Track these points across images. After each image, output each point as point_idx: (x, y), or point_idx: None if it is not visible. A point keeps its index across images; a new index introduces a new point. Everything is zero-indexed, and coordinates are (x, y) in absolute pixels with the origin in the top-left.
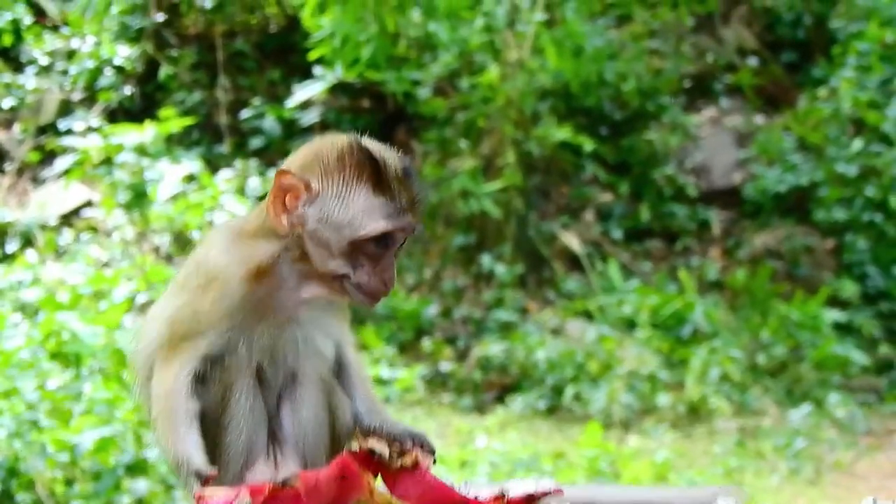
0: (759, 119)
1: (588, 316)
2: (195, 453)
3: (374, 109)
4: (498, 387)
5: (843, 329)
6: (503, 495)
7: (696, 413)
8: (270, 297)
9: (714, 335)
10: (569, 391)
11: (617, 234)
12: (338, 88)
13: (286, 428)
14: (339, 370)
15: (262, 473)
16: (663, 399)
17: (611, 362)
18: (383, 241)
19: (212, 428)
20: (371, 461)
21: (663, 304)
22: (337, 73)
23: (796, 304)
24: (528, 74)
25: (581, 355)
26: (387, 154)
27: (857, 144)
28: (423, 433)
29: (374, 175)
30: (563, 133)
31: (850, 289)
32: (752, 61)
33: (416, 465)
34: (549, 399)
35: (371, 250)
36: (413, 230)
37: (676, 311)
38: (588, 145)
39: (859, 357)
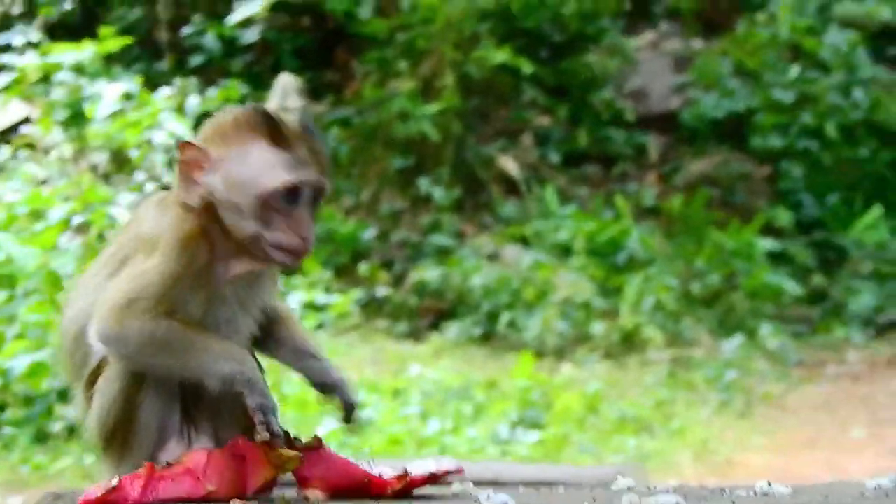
0: (697, 44)
1: (524, 241)
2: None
3: (314, 28)
4: (434, 312)
5: (777, 258)
6: (406, 474)
7: (629, 342)
8: (206, 272)
9: (649, 263)
10: (504, 318)
11: (554, 158)
12: (278, 6)
13: (201, 406)
14: (269, 322)
15: (174, 452)
16: (597, 328)
17: (546, 289)
18: (292, 196)
19: (125, 406)
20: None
21: (599, 230)
22: None
23: (731, 232)
24: None
25: (516, 282)
26: (285, 115)
27: (795, 71)
28: (341, 382)
29: (272, 132)
30: (502, 55)
31: (784, 217)
32: None
33: (319, 444)
34: (484, 326)
35: (282, 207)
36: (320, 184)
37: (612, 237)
38: (527, 68)
39: (792, 287)
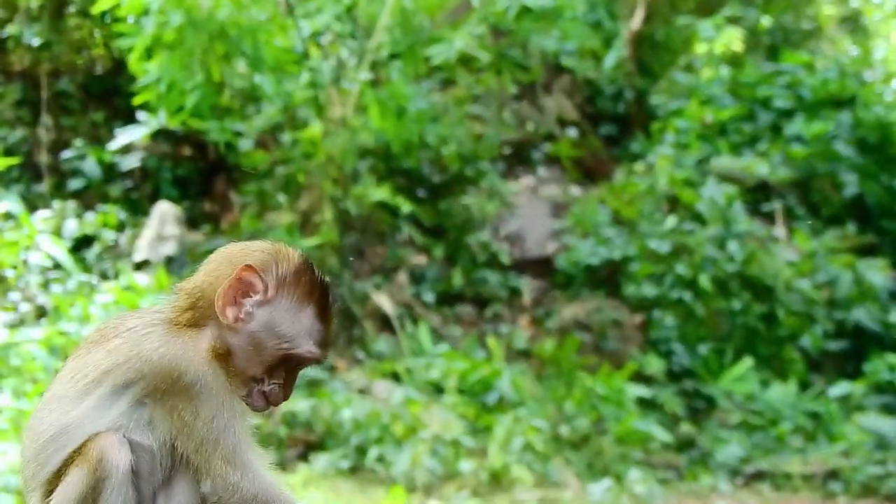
0: (575, 190)
1: (396, 378)
2: None
3: (195, 158)
4: (303, 443)
5: (647, 405)
6: None
7: (498, 481)
8: (231, 377)
9: (519, 404)
10: (373, 452)
11: (429, 297)
12: (160, 134)
13: None
14: None
15: None
16: (466, 465)
17: (416, 425)
18: (303, 362)
19: None
20: None
21: (471, 369)
22: (160, 120)
23: (602, 377)
24: (351, 132)
25: (387, 416)
26: (330, 284)
27: (671, 221)
28: None
29: (322, 301)
30: (381, 193)
31: (655, 365)
32: (572, 132)
33: None
34: (353, 459)
35: (290, 366)
36: (323, 362)
37: (483, 377)
38: (405, 207)
39: (661, 433)
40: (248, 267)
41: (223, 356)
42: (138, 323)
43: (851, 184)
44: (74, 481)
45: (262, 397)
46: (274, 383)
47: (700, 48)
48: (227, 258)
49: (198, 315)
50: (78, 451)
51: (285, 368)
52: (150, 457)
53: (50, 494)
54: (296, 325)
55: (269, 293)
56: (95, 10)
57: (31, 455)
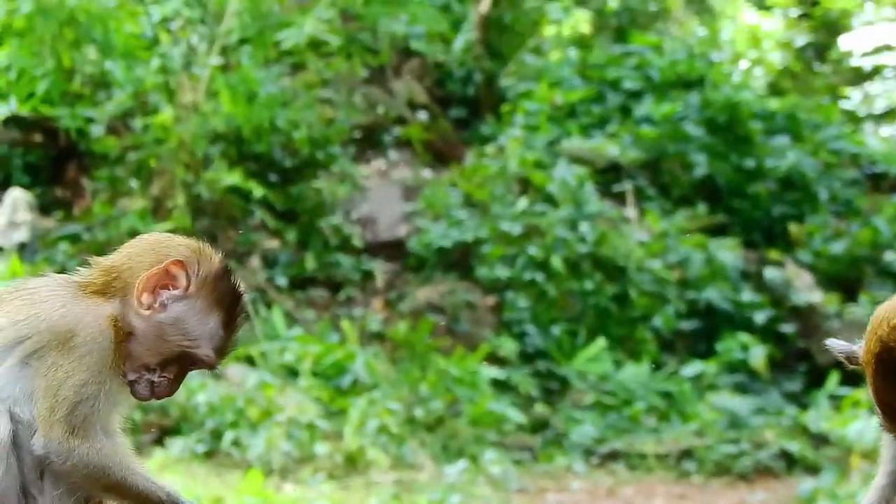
0: (426, 173)
1: (250, 362)
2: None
3: (46, 144)
4: (157, 428)
5: (501, 386)
6: None
7: (353, 464)
8: (116, 370)
9: (374, 386)
10: (228, 436)
11: (282, 281)
12: (10, 121)
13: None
14: None
15: None
16: (321, 448)
17: (271, 409)
18: (198, 364)
19: None
20: None
21: (325, 353)
22: (11, 106)
23: (455, 359)
24: (202, 117)
25: (241, 400)
26: (243, 295)
27: (522, 203)
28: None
29: (232, 310)
30: (233, 177)
31: (508, 346)
32: (422, 115)
33: None
34: (208, 443)
35: (184, 365)
36: (215, 368)
37: (337, 360)
38: (257, 191)
39: (515, 415)
40: (178, 262)
41: (122, 335)
42: (41, 284)
43: (701, 164)
44: None
45: (150, 387)
46: (164, 377)
47: (548, 30)
48: (152, 246)
49: (108, 291)
50: None
51: (179, 365)
52: (30, 430)
53: None
54: (202, 326)
55: (189, 290)
56: None
57: None
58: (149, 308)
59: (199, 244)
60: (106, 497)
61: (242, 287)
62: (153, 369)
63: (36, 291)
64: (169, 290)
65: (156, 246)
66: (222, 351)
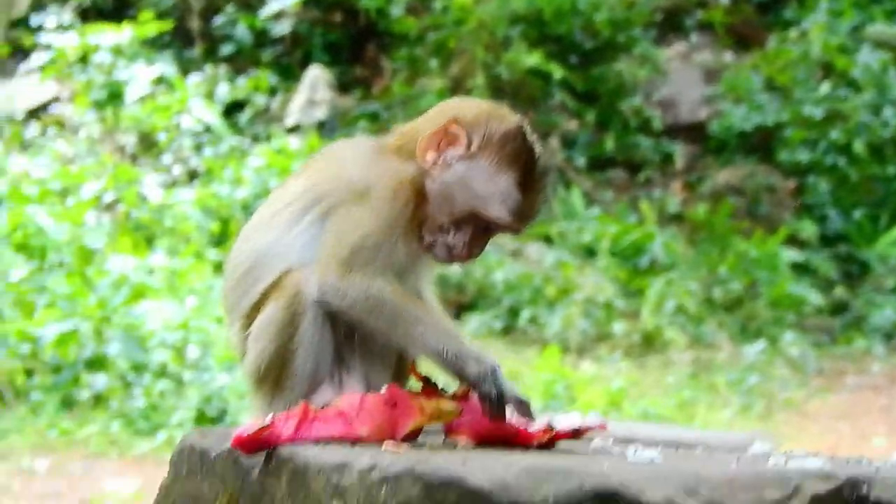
0: (728, 57)
1: (548, 240)
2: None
3: (345, 24)
4: (454, 305)
5: (800, 269)
6: (551, 428)
7: (650, 343)
8: (411, 229)
9: (671, 267)
10: (525, 313)
11: (581, 161)
12: (310, 1)
13: (354, 351)
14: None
15: (325, 395)
16: (619, 327)
17: (568, 287)
18: (494, 225)
19: (281, 347)
20: (426, 388)
21: (623, 233)
22: None
23: (755, 241)
24: None
25: (539, 279)
26: (541, 157)
27: (825, 88)
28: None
29: (525, 171)
30: (533, 59)
31: (809, 230)
32: None
33: (466, 394)
34: (505, 320)
35: (478, 226)
36: (518, 232)
37: (635, 241)
38: (557, 72)
39: (815, 297)
40: (455, 120)
41: (419, 196)
42: (345, 147)
43: None
44: (271, 314)
45: (446, 249)
46: (459, 239)
47: None
48: (443, 109)
49: (404, 154)
50: (275, 285)
51: (474, 227)
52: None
53: (248, 326)
54: (490, 186)
55: (471, 149)
56: None
57: (230, 287)
58: (433, 166)
59: (492, 106)
60: (393, 340)
61: (539, 149)
62: (447, 230)
63: (339, 153)
64: (452, 149)
65: (447, 108)
66: (520, 213)
